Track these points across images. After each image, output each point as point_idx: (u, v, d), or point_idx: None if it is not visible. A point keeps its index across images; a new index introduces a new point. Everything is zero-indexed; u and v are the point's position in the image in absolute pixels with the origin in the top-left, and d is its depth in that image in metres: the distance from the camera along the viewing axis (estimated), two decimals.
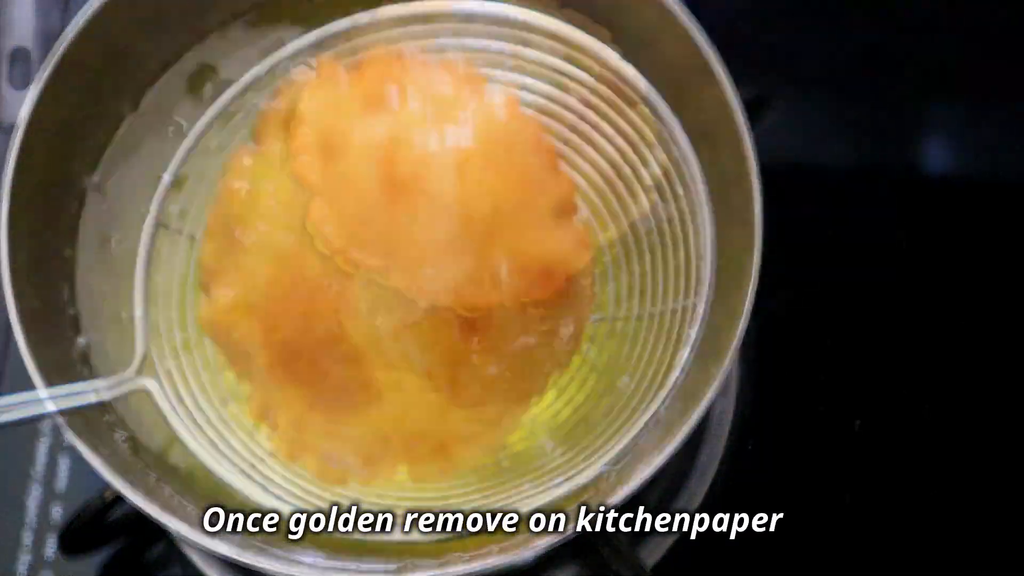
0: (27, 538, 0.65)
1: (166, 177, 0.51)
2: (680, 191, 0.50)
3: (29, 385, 0.53)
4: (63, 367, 0.57)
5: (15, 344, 0.54)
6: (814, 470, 0.69)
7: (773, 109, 0.66)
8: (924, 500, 0.68)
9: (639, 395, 0.50)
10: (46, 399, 0.49)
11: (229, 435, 0.50)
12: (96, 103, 0.58)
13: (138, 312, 0.49)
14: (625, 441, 0.47)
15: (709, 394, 0.53)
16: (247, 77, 0.52)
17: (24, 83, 0.56)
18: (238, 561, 0.52)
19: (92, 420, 0.56)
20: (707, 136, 0.58)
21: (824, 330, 0.71)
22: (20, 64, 0.75)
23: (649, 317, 0.51)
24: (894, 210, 0.74)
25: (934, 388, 0.70)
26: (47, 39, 0.74)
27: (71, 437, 0.51)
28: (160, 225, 0.50)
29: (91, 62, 0.57)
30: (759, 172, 0.56)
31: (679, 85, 0.59)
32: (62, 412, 0.49)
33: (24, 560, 0.65)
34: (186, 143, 0.51)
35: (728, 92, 0.56)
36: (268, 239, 0.48)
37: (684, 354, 0.47)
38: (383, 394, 0.46)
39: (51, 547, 0.65)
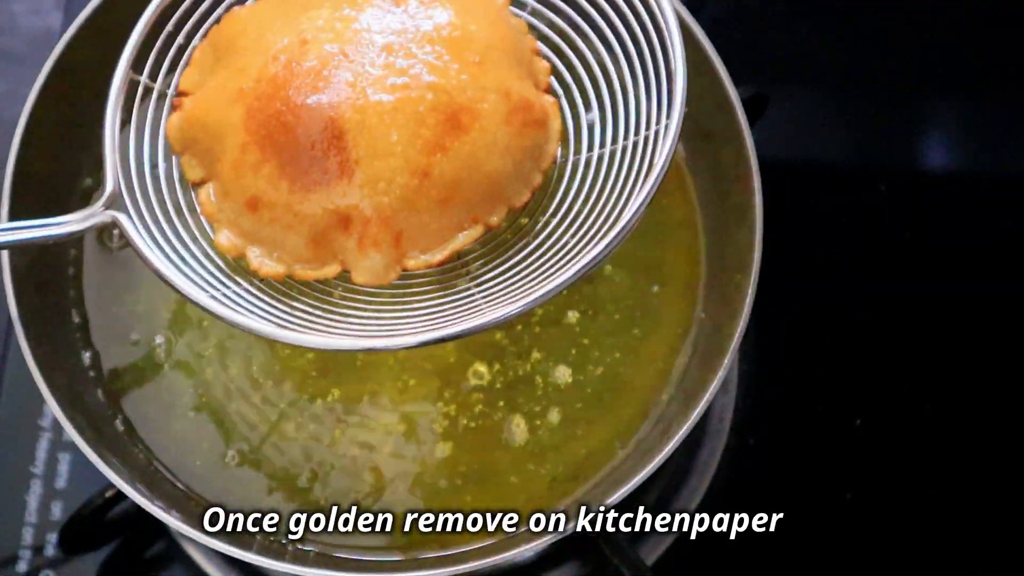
0: (28, 535, 0.65)
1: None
2: (645, 16, 0.50)
3: (29, 385, 0.54)
4: (71, 382, 0.58)
5: (15, 343, 0.54)
6: (814, 469, 0.68)
7: (773, 108, 0.66)
8: (924, 499, 0.68)
9: (601, 218, 0.49)
10: (17, 228, 0.49)
11: (203, 270, 0.50)
12: (96, 103, 0.58)
13: (108, 148, 0.49)
14: (589, 256, 0.47)
15: (709, 392, 0.53)
16: None
17: (24, 83, 0.56)
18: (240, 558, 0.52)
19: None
20: (707, 134, 0.59)
21: (824, 329, 0.71)
22: (19, 64, 0.75)
23: (622, 150, 0.51)
24: (894, 208, 0.74)
25: (934, 387, 0.70)
26: (47, 39, 0.74)
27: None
28: (131, 81, 0.51)
29: (91, 62, 0.57)
30: (759, 170, 0.56)
31: None
32: (31, 242, 0.49)
33: (25, 557, 0.65)
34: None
35: (729, 90, 0.57)
36: (258, 42, 0.49)
37: (651, 178, 0.47)
38: (356, 171, 0.47)
39: (51, 544, 0.65)
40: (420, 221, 0.48)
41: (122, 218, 0.49)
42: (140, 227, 0.49)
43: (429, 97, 0.47)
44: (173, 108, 0.51)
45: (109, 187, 0.49)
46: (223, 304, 0.48)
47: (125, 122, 0.51)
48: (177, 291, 0.48)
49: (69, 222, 0.48)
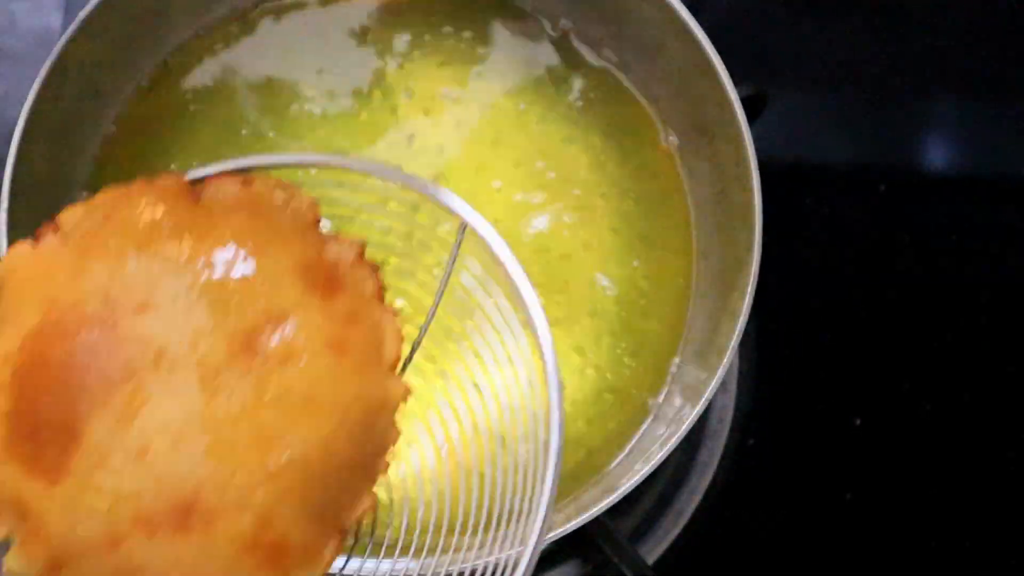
0: None
1: None
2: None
3: None
4: None
5: None
6: (814, 467, 0.69)
7: (772, 107, 0.66)
8: (924, 499, 0.68)
9: None
10: None
11: None
12: (96, 103, 0.58)
13: None
14: None
15: (709, 391, 0.53)
16: None
17: (24, 83, 0.56)
18: None
19: None
20: (707, 134, 0.59)
21: (824, 329, 0.71)
22: (19, 64, 0.75)
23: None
24: (894, 208, 0.74)
25: (934, 386, 0.70)
26: (47, 39, 0.74)
27: None
28: None
29: (91, 62, 0.57)
30: (759, 170, 0.56)
31: (680, 83, 0.59)
32: None
33: None
34: None
35: (728, 90, 0.56)
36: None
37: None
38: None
39: None
40: None
41: None
42: None
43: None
44: None
45: None
46: None
47: None
48: None
49: None
